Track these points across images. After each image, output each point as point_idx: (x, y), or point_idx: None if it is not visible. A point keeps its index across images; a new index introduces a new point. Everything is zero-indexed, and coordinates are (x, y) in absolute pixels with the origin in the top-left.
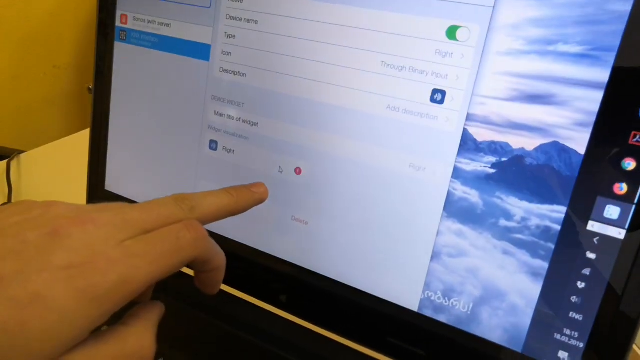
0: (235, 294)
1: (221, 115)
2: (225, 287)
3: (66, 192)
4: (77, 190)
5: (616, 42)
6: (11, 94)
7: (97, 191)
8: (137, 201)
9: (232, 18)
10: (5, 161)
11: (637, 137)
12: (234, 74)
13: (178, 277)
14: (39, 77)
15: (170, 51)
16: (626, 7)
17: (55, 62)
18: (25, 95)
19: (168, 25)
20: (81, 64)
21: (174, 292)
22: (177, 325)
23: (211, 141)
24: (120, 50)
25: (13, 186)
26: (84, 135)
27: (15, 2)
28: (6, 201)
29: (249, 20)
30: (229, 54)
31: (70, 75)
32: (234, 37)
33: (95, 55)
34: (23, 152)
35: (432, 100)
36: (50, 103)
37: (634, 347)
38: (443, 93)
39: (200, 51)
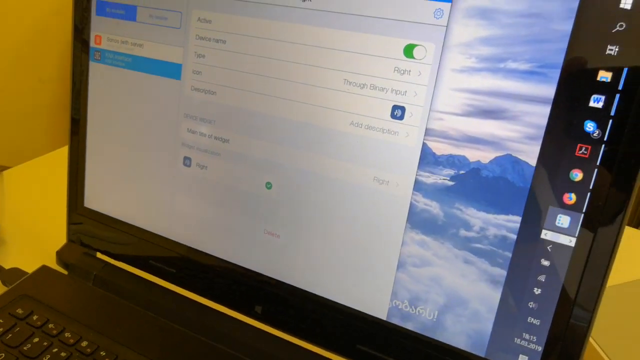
0: (211, 306)
1: (194, 132)
2: (202, 300)
3: (49, 209)
4: (60, 207)
5: (560, 59)
6: None
7: (77, 208)
8: (117, 219)
9: (202, 38)
10: None
11: (583, 149)
12: (205, 93)
13: (159, 291)
14: (24, 91)
15: (143, 71)
16: (567, 26)
17: (41, 75)
18: (10, 109)
19: (140, 45)
20: (66, 78)
21: (152, 304)
22: (155, 338)
23: (185, 157)
24: (95, 70)
25: None
26: (66, 151)
27: (0, 16)
28: None
29: (217, 40)
30: (199, 72)
31: (56, 88)
32: (203, 56)
33: (72, 75)
34: (7, 168)
35: (393, 116)
36: (35, 116)
37: (590, 340)
38: (402, 109)
39: (172, 70)
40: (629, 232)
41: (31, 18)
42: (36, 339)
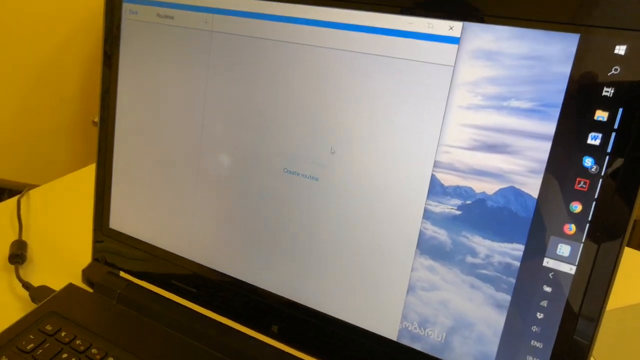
0: (230, 324)
1: (215, 152)
2: (221, 319)
3: (75, 228)
4: (85, 226)
5: (560, 99)
6: (19, 126)
7: (102, 229)
8: (140, 240)
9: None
10: (15, 198)
11: (582, 183)
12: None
13: (180, 310)
14: (46, 110)
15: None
16: (566, 69)
17: (62, 94)
18: (33, 127)
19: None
20: (87, 97)
21: (173, 322)
22: (176, 354)
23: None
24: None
25: (23, 223)
26: (92, 170)
27: (24, 36)
28: (17, 238)
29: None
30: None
31: (76, 107)
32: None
33: (100, 95)
34: (32, 186)
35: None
36: (57, 135)
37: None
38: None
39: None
40: (634, 255)
41: (53, 38)
42: (65, 355)
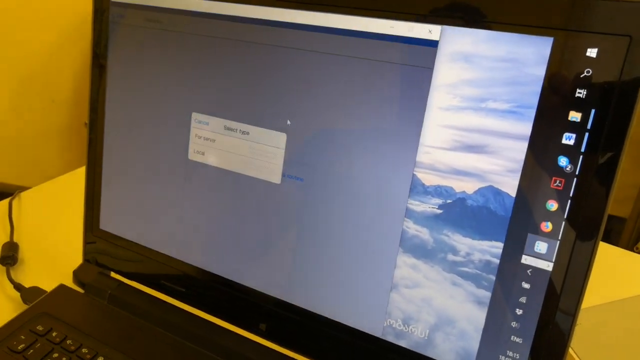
0: (218, 323)
1: (202, 154)
2: (210, 318)
3: (66, 229)
4: (76, 227)
5: (535, 100)
6: (11, 128)
7: (93, 230)
8: (130, 240)
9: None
10: (7, 200)
11: (557, 182)
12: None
13: (169, 309)
14: (38, 112)
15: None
16: (541, 71)
17: (54, 96)
18: (25, 129)
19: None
20: (78, 99)
21: (163, 321)
22: (166, 353)
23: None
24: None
25: (14, 225)
26: (84, 172)
27: (16, 39)
28: (8, 240)
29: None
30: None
31: (68, 109)
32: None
33: (90, 94)
34: (24, 188)
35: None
36: (48, 136)
37: (570, 350)
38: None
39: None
40: (619, 252)
41: (45, 40)
42: (55, 355)
